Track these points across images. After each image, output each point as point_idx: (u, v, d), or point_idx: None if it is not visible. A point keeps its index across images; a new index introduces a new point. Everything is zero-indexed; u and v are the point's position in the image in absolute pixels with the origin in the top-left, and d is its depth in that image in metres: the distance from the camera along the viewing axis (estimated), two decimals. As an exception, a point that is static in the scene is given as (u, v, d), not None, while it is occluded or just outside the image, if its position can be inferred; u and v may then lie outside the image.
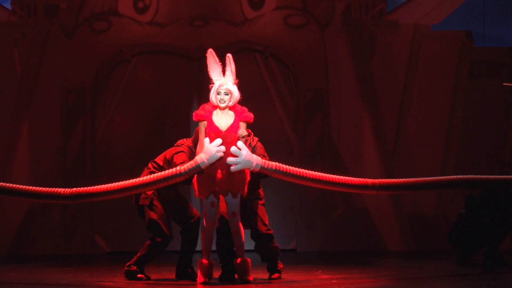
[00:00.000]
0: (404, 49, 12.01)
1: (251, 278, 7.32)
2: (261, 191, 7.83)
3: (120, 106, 11.88)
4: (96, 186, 7.32)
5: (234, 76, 7.30)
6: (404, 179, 7.68)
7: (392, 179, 7.67)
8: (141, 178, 7.25)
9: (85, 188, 7.35)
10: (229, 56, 7.29)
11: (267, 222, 7.73)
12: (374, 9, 12.03)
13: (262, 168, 7.09)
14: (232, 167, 7.04)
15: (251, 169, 7.10)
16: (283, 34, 11.97)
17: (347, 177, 7.43)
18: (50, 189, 7.43)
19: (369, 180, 7.45)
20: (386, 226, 11.83)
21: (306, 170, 7.29)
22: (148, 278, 7.76)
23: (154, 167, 7.77)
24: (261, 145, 7.72)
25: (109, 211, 11.65)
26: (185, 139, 7.87)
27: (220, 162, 7.14)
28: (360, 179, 7.46)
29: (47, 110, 11.72)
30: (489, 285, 7.11)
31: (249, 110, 7.37)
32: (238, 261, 7.32)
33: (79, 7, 11.82)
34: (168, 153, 7.80)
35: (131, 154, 11.73)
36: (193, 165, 7.07)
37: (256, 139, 7.74)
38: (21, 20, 11.76)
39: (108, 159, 11.78)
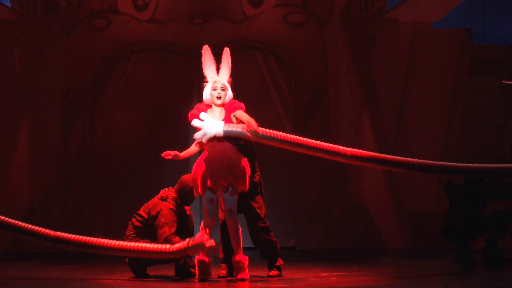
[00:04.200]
0: (403, 47, 12.00)
1: (247, 276, 7.33)
2: (257, 175, 7.75)
3: (120, 104, 11.88)
4: (83, 237, 7.54)
5: (229, 72, 7.29)
6: (376, 154, 7.74)
7: (364, 151, 7.69)
8: (130, 244, 7.40)
9: (68, 235, 7.52)
10: (226, 50, 7.28)
11: (263, 214, 7.67)
12: (373, 7, 12.02)
13: (227, 131, 7.09)
14: (201, 139, 7.08)
15: (217, 135, 7.09)
16: (283, 31, 11.97)
17: (319, 142, 7.50)
18: (34, 227, 7.57)
19: (341, 148, 7.53)
20: (386, 224, 11.83)
21: (277, 132, 7.29)
22: (148, 276, 7.77)
23: (138, 220, 7.74)
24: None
25: (108, 208, 11.65)
26: (168, 188, 7.82)
27: (217, 158, 7.14)
28: (332, 145, 7.55)
29: (47, 107, 11.71)
30: (489, 284, 7.11)
31: (249, 108, 7.36)
32: (236, 259, 7.33)
33: (78, 5, 11.82)
34: (151, 205, 7.72)
35: (130, 151, 11.73)
36: (181, 248, 7.22)
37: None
38: (20, 17, 11.75)
39: (107, 157, 11.77)
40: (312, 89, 11.98)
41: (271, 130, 7.26)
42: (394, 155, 11.77)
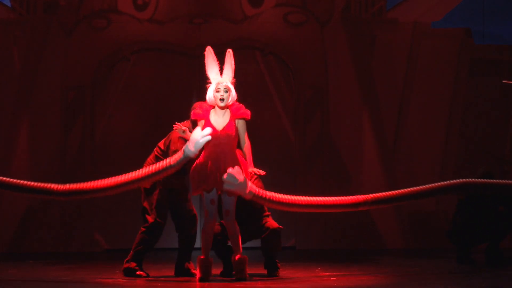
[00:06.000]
0: (404, 46, 12.01)
1: (247, 276, 7.33)
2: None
3: (120, 104, 11.88)
4: (89, 183, 7.32)
5: (233, 73, 7.27)
6: (395, 192, 7.71)
7: (383, 193, 7.68)
8: (133, 173, 7.27)
9: (78, 184, 7.34)
10: (229, 51, 7.26)
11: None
12: (374, 7, 12.02)
13: (255, 196, 7.16)
14: (225, 185, 7.02)
15: (243, 196, 7.12)
16: (283, 31, 11.97)
17: (340, 198, 7.56)
18: (43, 184, 7.42)
19: (361, 197, 7.53)
20: (386, 224, 11.83)
21: (299, 197, 7.42)
22: (147, 275, 7.77)
23: (158, 152, 7.83)
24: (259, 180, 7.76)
25: (108, 208, 11.65)
26: (185, 121, 7.86)
27: (214, 162, 7.14)
28: (352, 197, 7.56)
29: (47, 107, 11.72)
30: (489, 284, 7.11)
31: (249, 108, 7.35)
32: (235, 259, 7.33)
33: (78, 4, 11.83)
34: (167, 137, 7.82)
35: (130, 151, 11.72)
36: (181, 156, 7.12)
37: (255, 176, 7.69)
38: (20, 17, 11.76)
39: (107, 157, 11.77)
40: (312, 89, 11.98)
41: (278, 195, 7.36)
42: (394, 155, 11.89)
